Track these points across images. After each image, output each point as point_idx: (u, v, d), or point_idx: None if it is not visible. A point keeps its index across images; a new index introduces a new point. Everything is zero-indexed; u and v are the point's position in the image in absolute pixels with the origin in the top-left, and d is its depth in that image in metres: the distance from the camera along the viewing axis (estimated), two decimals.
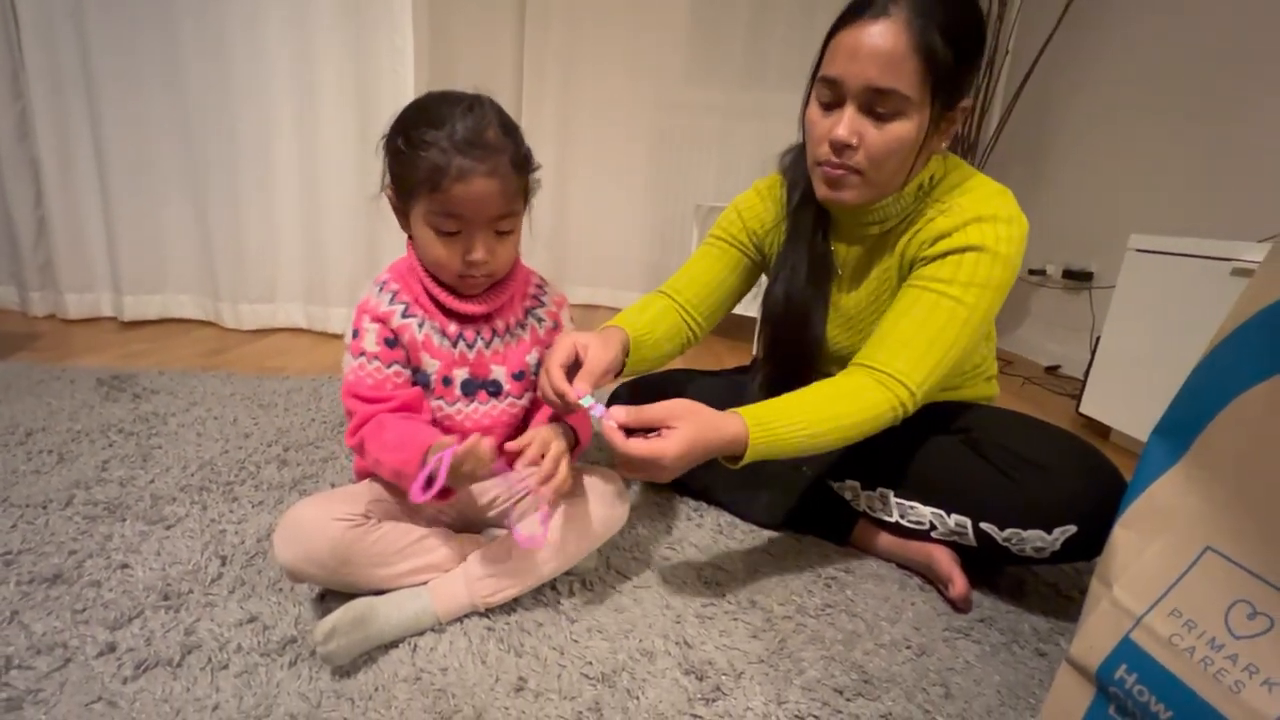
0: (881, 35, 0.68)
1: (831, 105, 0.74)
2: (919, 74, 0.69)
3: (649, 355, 0.87)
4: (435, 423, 0.76)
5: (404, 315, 0.73)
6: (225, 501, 0.93)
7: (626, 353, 0.82)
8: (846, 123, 0.72)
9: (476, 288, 0.73)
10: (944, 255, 0.75)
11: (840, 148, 0.74)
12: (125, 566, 0.76)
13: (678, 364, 1.48)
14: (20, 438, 1.09)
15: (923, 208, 0.79)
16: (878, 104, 0.71)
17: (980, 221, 0.74)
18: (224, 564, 0.78)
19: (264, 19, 1.78)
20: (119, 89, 1.84)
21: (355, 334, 0.73)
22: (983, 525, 0.77)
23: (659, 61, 2.51)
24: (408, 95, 1.80)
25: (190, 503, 0.91)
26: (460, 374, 0.76)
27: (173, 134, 1.89)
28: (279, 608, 0.70)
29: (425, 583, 0.70)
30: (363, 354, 0.72)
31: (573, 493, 0.75)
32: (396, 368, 0.73)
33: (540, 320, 0.81)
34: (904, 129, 0.71)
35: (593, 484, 0.76)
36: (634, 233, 2.70)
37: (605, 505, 0.75)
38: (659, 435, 0.65)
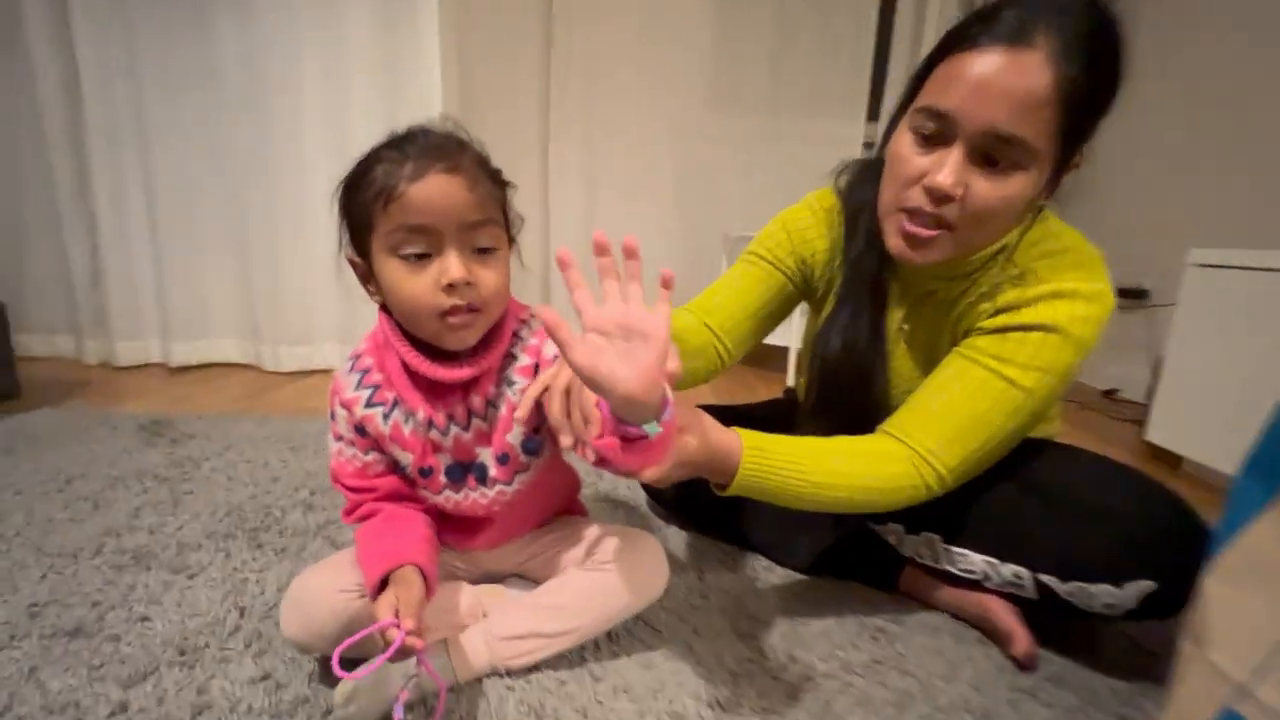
0: (1020, 72, 0.57)
1: (934, 141, 0.63)
2: (1054, 123, 0.58)
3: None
4: (431, 509, 0.70)
5: (369, 403, 0.65)
6: (249, 549, 0.92)
7: None
8: (953, 169, 0.61)
9: (464, 336, 0.60)
10: (1005, 330, 0.66)
11: (939, 197, 0.63)
12: (145, 619, 0.75)
13: (706, 397, 1.43)
14: (60, 485, 1.11)
15: (989, 269, 0.70)
16: (996, 151, 0.60)
17: (1057, 298, 0.65)
18: (242, 616, 0.76)
19: (299, 80, 1.87)
20: (168, 145, 1.94)
21: (332, 416, 0.67)
22: (1042, 577, 0.70)
23: (683, 90, 2.52)
24: None
25: (215, 550, 0.91)
26: (443, 460, 0.67)
27: (216, 186, 1.98)
28: (293, 664, 0.67)
29: (444, 640, 0.67)
30: (340, 439, 0.67)
31: (607, 556, 0.70)
32: (374, 455, 0.67)
33: (512, 384, 0.65)
34: (1020, 185, 0.61)
35: (630, 547, 0.71)
36: (662, 263, 2.67)
37: (643, 571, 0.70)
38: None
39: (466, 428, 0.66)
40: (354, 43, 1.86)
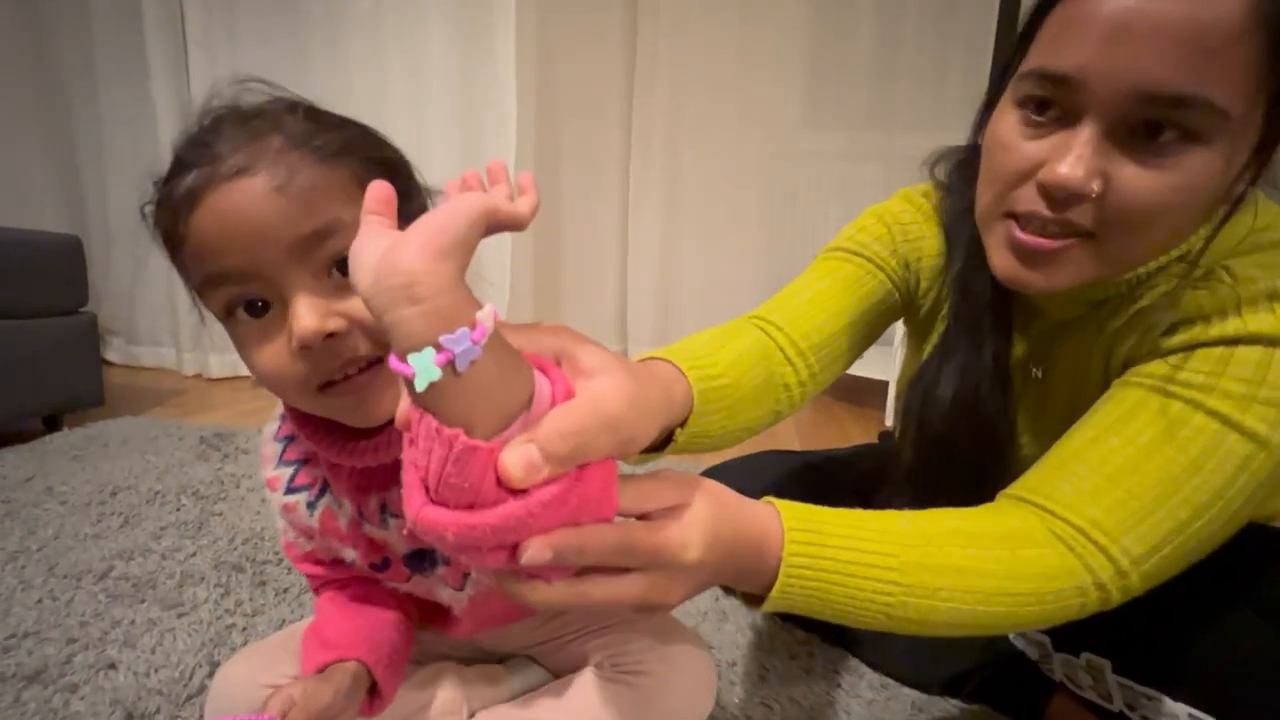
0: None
1: (1050, 117, 0.43)
2: (1255, 66, 0.38)
3: (721, 427, 0.49)
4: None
5: (291, 486, 0.47)
6: (251, 586, 0.82)
7: (678, 417, 0.44)
8: (1081, 155, 0.40)
9: (370, 405, 0.39)
10: (1190, 348, 0.44)
11: (1066, 197, 0.42)
12: (112, 667, 0.66)
13: (785, 437, 1.23)
14: (104, 497, 1.09)
15: (1160, 279, 0.48)
16: (1158, 119, 0.39)
17: (1275, 300, 0.43)
18: (210, 673, 0.65)
19: (383, 101, 1.92)
20: None
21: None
22: None
23: (773, 109, 2.35)
24: (511, 160, 1.84)
25: (215, 585, 0.82)
26: (398, 549, 0.48)
27: None
28: None
29: None
30: (282, 517, 0.49)
31: (636, 662, 0.51)
32: (319, 542, 0.49)
33: None
34: (1200, 168, 0.40)
35: (667, 653, 0.51)
36: (749, 289, 2.50)
37: (683, 689, 0.50)
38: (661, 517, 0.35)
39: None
40: (434, 60, 1.87)
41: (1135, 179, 0.40)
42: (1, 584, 0.81)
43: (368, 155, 0.40)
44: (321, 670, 0.44)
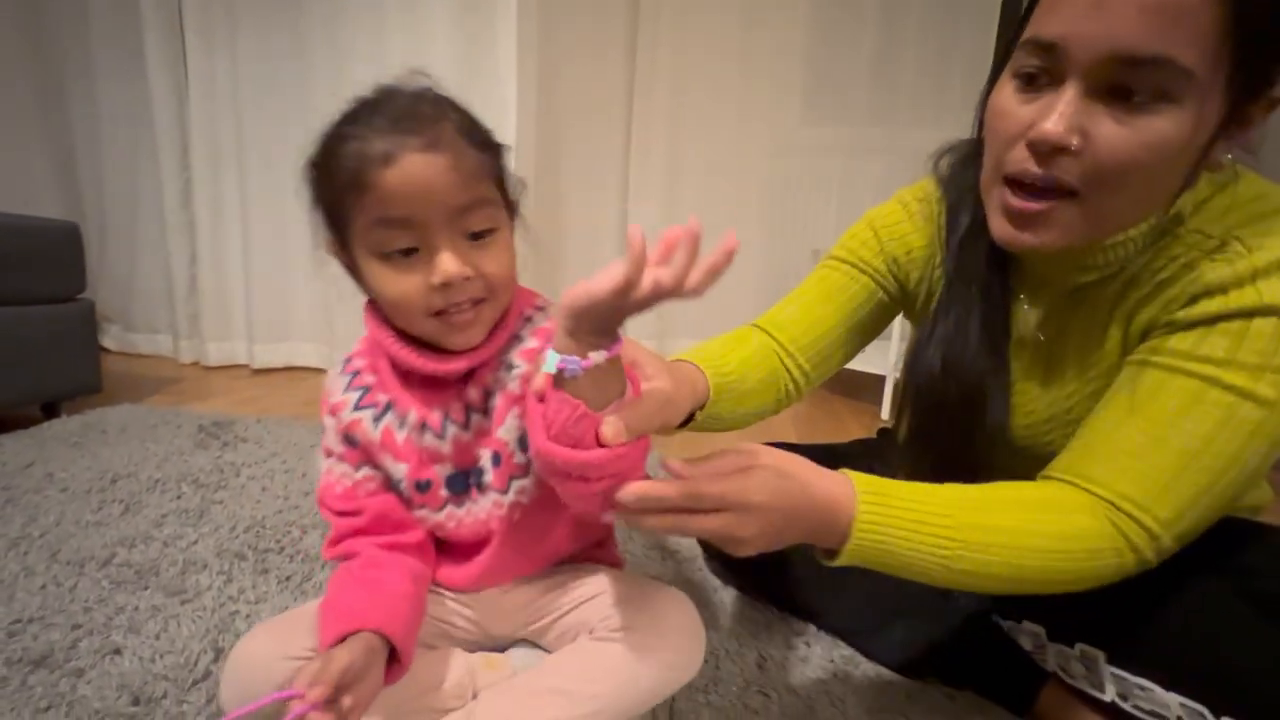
0: None
1: (1039, 84, 0.47)
2: (1216, 32, 0.41)
3: (730, 412, 0.62)
4: (425, 538, 0.59)
5: (357, 406, 0.56)
6: (254, 574, 0.83)
7: (699, 403, 0.59)
8: (1064, 112, 0.45)
9: (470, 334, 0.52)
10: (1211, 321, 0.48)
11: (1048, 151, 0.46)
12: (117, 652, 0.67)
13: (782, 429, 1.24)
14: (104, 484, 1.09)
15: (1169, 245, 0.51)
16: (1131, 80, 0.43)
17: None
18: (215, 659, 0.66)
19: None
20: (264, 160, 2.00)
21: (323, 428, 0.59)
22: None
23: (774, 107, 2.35)
24: (511, 159, 1.84)
25: (218, 572, 0.83)
26: (442, 470, 0.56)
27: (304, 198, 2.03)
28: None
29: None
30: (330, 454, 0.58)
31: (623, 620, 0.54)
32: (366, 471, 0.57)
33: (512, 369, 0.55)
34: (1170, 125, 0.44)
35: (651, 609, 0.55)
36: (747, 281, 2.50)
37: (671, 640, 0.54)
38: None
39: (466, 426, 0.55)
40: (435, 59, 1.85)
41: (1113, 135, 0.45)
42: (4, 570, 0.82)
43: (495, 149, 0.53)
44: (339, 642, 0.46)
